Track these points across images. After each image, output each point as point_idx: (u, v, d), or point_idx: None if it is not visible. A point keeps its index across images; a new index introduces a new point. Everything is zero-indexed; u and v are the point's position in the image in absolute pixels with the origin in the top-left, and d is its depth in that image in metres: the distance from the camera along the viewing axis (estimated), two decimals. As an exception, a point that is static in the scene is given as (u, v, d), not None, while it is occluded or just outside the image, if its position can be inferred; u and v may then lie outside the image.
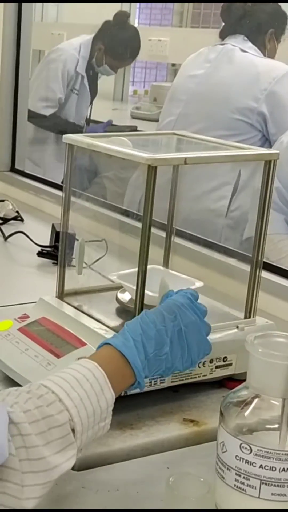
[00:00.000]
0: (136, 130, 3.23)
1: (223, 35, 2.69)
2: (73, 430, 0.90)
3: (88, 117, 3.78)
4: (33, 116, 3.47)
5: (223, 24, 2.74)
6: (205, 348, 1.08)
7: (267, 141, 2.51)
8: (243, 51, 2.60)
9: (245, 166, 2.37)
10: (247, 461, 0.87)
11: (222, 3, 2.80)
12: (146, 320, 1.04)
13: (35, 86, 3.58)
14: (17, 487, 0.85)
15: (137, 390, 1.04)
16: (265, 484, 0.87)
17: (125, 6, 5.54)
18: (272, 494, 0.87)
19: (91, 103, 3.79)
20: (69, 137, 1.24)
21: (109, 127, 3.71)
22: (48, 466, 0.87)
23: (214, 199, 2.47)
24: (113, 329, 1.18)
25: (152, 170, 1.08)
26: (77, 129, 3.61)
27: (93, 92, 3.78)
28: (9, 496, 0.85)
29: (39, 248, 1.88)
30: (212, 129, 2.41)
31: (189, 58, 2.78)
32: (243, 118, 2.50)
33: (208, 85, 2.60)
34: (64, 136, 1.24)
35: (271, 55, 2.69)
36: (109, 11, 3.98)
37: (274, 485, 0.87)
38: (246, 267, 1.27)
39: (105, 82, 4.25)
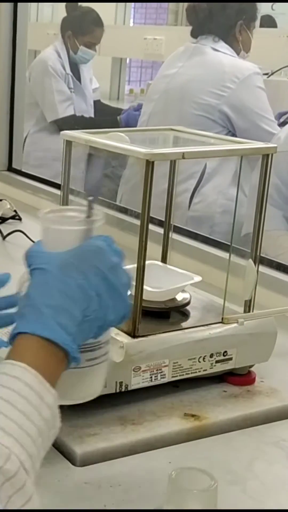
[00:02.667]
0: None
1: (194, 35, 2.70)
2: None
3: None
4: (64, 122, 3.51)
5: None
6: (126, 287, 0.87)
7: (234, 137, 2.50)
8: (214, 50, 2.61)
9: (212, 160, 2.38)
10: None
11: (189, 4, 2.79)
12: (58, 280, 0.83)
13: (48, 100, 3.61)
14: None
15: (139, 385, 1.02)
16: None
17: (120, 6, 5.55)
18: None
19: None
20: (67, 134, 1.23)
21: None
22: None
23: (176, 193, 2.46)
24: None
25: (150, 165, 1.08)
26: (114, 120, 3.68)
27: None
28: None
29: (37, 247, 1.87)
30: (177, 125, 2.41)
31: (167, 58, 2.80)
32: (205, 114, 2.52)
33: (176, 84, 2.63)
34: (61, 132, 1.24)
35: (246, 47, 2.69)
36: (103, 9, 3.99)
37: None
38: (245, 262, 1.27)
39: (101, 82, 4.26)
